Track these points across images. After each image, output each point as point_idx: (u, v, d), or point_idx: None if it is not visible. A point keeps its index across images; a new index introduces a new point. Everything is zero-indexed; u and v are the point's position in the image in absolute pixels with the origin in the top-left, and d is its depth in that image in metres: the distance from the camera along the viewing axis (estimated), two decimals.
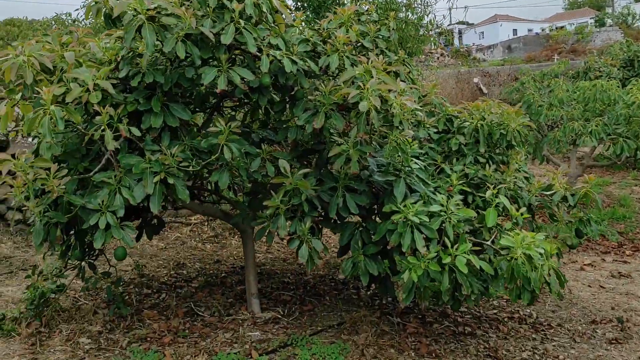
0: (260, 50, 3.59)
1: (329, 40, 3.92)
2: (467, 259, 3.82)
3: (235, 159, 3.66)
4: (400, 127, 3.55)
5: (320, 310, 5.26)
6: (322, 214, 4.37)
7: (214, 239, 7.80)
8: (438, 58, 33.58)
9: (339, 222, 4.39)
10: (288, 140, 3.93)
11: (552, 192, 4.88)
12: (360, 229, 4.29)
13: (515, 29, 54.86)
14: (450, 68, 26.85)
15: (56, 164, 3.46)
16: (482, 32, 54.63)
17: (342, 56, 3.89)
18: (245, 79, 3.57)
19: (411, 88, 4.08)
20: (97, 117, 3.28)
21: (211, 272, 6.43)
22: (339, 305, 5.37)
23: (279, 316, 5.03)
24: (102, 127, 3.29)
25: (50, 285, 4.68)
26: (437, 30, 11.47)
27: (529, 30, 52.55)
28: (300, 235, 3.89)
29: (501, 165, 4.88)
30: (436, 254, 3.87)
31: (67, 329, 4.61)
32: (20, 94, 3.42)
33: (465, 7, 16.51)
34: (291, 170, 4.00)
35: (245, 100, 4.54)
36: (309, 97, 3.79)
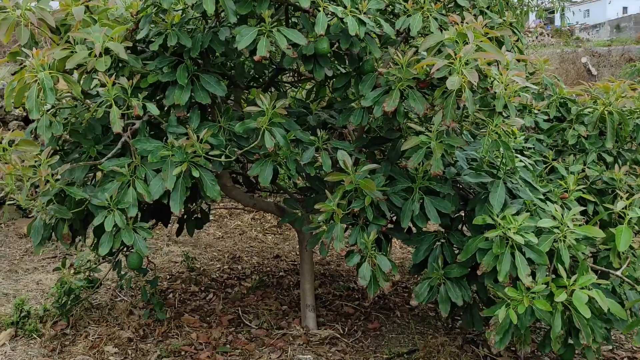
0: (316, 5, 2.70)
1: None
2: (590, 296, 2.78)
3: (280, 149, 2.82)
4: (504, 114, 2.55)
5: (389, 331, 4.37)
6: (393, 219, 3.46)
7: (276, 230, 7.09)
8: (537, 37, 30.94)
9: (413, 231, 3.46)
10: (350, 125, 3.04)
11: None
12: (442, 242, 3.34)
13: (626, 7, 50.06)
14: (549, 48, 24.51)
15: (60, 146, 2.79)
16: (588, 10, 50.15)
17: (428, 16, 2.92)
18: (295, 44, 2.70)
19: (519, 61, 3.03)
20: (102, 90, 2.55)
21: (268, 269, 5.71)
22: (411, 325, 4.45)
23: (338, 335, 4.19)
24: (109, 103, 2.55)
25: (79, 281, 4.12)
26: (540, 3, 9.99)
27: None
28: (361, 249, 3.01)
29: (635, 167, 3.71)
30: (545, 286, 2.86)
31: (94, 332, 4.04)
32: None
33: None
34: (354, 164, 3.12)
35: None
36: (381, 70, 2.86)
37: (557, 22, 41.77)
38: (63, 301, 4.06)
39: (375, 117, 2.83)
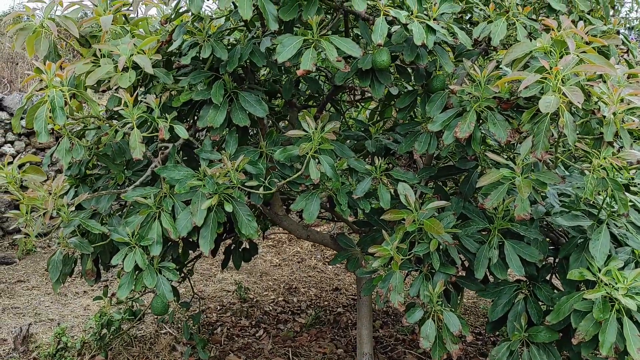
0: (375, 10, 2.24)
1: None
2: None
3: (328, 179, 2.37)
4: (617, 144, 1.97)
5: None
6: (465, 265, 2.91)
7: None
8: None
9: (490, 279, 2.89)
10: (416, 153, 2.54)
11: None
12: (525, 296, 2.74)
13: None
14: None
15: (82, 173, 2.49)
16: None
17: (515, 21, 2.38)
18: (349, 56, 2.25)
19: (630, 78, 2.41)
20: (124, 110, 2.21)
21: (326, 303, 5.25)
22: None
23: None
24: (131, 124, 2.21)
25: (118, 313, 3.84)
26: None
27: None
28: (424, 303, 2.49)
29: None
30: None
31: None
32: None
33: None
34: (419, 199, 2.61)
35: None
36: (454, 88, 2.35)
37: None
38: (102, 334, 3.79)
39: (445, 145, 2.32)
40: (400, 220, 2.51)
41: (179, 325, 4.42)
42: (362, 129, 3.29)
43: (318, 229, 7.17)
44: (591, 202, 2.69)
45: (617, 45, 2.64)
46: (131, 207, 2.51)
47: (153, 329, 4.37)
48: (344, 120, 3.97)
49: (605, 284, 2.30)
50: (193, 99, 2.43)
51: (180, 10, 2.51)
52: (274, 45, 2.19)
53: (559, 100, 1.82)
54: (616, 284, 2.28)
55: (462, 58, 2.51)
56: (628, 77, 2.50)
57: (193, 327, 3.97)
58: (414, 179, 2.61)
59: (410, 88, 2.92)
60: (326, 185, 2.51)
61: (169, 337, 4.17)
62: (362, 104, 4.03)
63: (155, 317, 4.41)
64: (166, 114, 2.31)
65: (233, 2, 2.14)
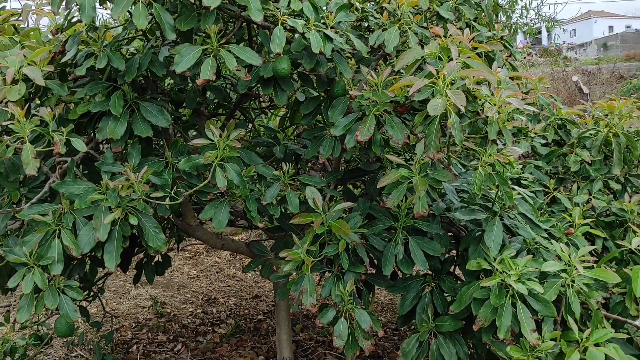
0: (272, 19, 2.29)
1: (386, 6, 2.56)
2: (606, 354, 2.34)
3: (235, 187, 2.38)
4: (499, 141, 2.13)
5: None
6: (374, 262, 3.02)
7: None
8: (525, 57, 30.96)
9: (399, 275, 3.02)
10: (321, 157, 2.61)
11: None
12: (431, 288, 2.89)
13: (612, 26, 50.75)
14: (538, 68, 24.41)
15: None
16: (574, 30, 50.58)
17: (407, 29, 2.52)
18: (251, 65, 2.28)
19: (512, 79, 2.62)
20: (14, 124, 2.10)
21: (246, 311, 5.22)
22: None
23: None
24: (22, 139, 2.11)
25: (23, 338, 3.62)
26: (531, 20, 9.72)
27: (627, 27, 48.28)
28: (336, 303, 2.56)
29: None
30: (554, 342, 2.40)
31: None
32: None
33: (557, 4, 14.47)
34: (329, 202, 2.68)
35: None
36: (353, 93, 2.44)
37: (544, 42, 42.02)
38: None
39: (348, 148, 2.40)
40: (309, 224, 2.57)
41: (91, 346, 4.23)
42: (272, 136, 3.32)
43: (236, 238, 7.12)
44: (486, 196, 2.88)
45: (502, 50, 2.85)
46: (29, 226, 2.39)
47: (63, 352, 4.16)
48: (253, 127, 3.99)
49: (500, 272, 2.47)
50: (91, 111, 2.35)
51: (73, 20, 2.43)
52: (174, 55, 2.17)
53: (445, 102, 1.95)
54: (509, 271, 2.45)
55: (361, 65, 2.62)
56: (512, 79, 2.72)
57: (106, 348, 3.82)
58: (321, 183, 2.68)
59: (316, 94, 3.00)
60: (234, 192, 2.52)
61: None
62: (272, 111, 4.07)
63: (64, 340, 4.20)
64: (62, 127, 2.23)
65: (129, 11, 2.10)
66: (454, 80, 2.09)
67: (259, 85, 2.66)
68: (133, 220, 2.25)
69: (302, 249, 2.49)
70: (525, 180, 3.15)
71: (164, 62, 2.38)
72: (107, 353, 3.70)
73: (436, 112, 1.91)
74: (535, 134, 3.53)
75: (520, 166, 2.96)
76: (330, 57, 2.43)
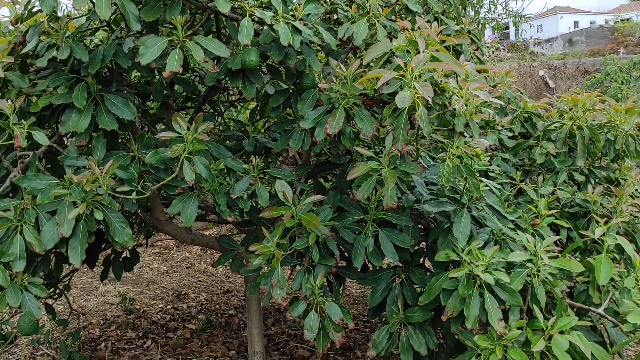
0: (240, 10, 2.26)
1: None
2: (571, 342, 2.39)
3: (204, 181, 2.35)
4: (466, 134, 2.15)
5: None
6: (345, 255, 3.03)
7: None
8: (493, 52, 31.41)
9: (369, 268, 3.04)
10: (291, 150, 2.60)
11: None
12: (401, 280, 2.91)
13: (577, 22, 51.94)
14: (506, 62, 24.82)
15: None
16: (541, 25, 51.59)
17: (375, 22, 2.52)
18: (218, 57, 2.25)
19: (480, 72, 2.65)
20: None
21: (217, 306, 5.19)
22: None
23: None
24: None
25: None
26: (498, 15, 9.85)
27: (592, 22, 49.45)
28: (307, 295, 2.56)
29: (610, 186, 3.38)
30: (520, 331, 2.45)
31: None
32: None
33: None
34: (299, 196, 2.68)
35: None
36: (322, 86, 2.44)
37: (512, 37, 42.75)
38: None
39: (317, 141, 2.40)
40: (279, 217, 2.56)
41: (57, 345, 4.15)
42: (241, 129, 3.29)
43: (207, 232, 7.06)
44: (455, 188, 2.91)
45: (469, 44, 2.89)
46: None
47: (28, 351, 4.06)
48: (223, 120, 3.95)
49: (468, 263, 2.50)
50: (54, 104, 2.29)
51: (34, 10, 2.35)
52: (139, 47, 2.13)
53: (413, 95, 1.96)
54: (477, 262, 2.49)
55: (330, 57, 2.61)
56: (479, 72, 2.75)
57: (73, 346, 3.75)
58: (291, 176, 2.67)
59: (286, 87, 2.98)
60: (203, 186, 2.49)
61: (47, 359, 3.90)
62: (242, 105, 4.04)
63: (29, 338, 4.10)
64: (23, 120, 2.16)
65: (92, 1, 2.05)
66: (422, 72, 2.10)
67: (227, 78, 2.63)
68: (98, 215, 2.20)
69: (272, 243, 2.48)
70: (493, 172, 3.20)
71: (128, 54, 2.33)
72: (74, 351, 3.63)
73: (404, 104, 1.92)
74: (503, 127, 3.59)
75: (488, 158, 3.00)
76: (299, 50, 2.42)
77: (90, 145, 2.44)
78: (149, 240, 5.30)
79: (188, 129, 2.30)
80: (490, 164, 3.29)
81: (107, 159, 2.36)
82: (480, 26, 8.24)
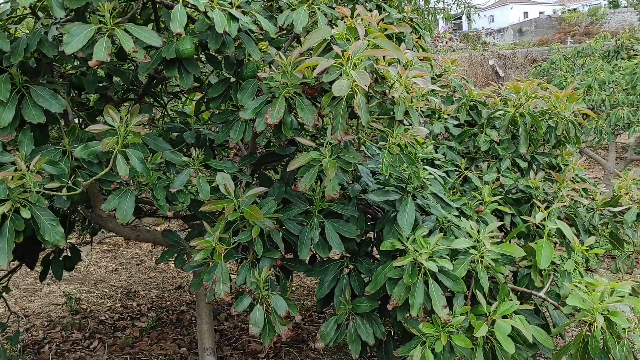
0: None
1: None
2: (513, 325, 2.43)
3: (140, 175, 2.26)
4: (406, 122, 2.14)
5: None
6: (292, 247, 2.99)
7: None
8: (446, 42, 31.89)
9: (317, 260, 3.01)
10: (231, 141, 2.53)
11: (622, 207, 3.46)
12: (349, 270, 2.90)
13: (526, 12, 53.30)
14: (459, 52, 25.24)
15: None
16: (492, 16, 52.70)
17: (316, 10, 2.47)
18: (151, 46, 2.16)
19: (423, 61, 2.65)
20: None
21: (168, 303, 5.08)
22: (325, 359, 3.99)
23: None
24: None
25: None
26: (448, 5, 9.97)
27: (540, 12, 50.84)
28: (251, 290, 2.51)
29: (551, 172, 3.45)
30: (464, 317, 2.48)
31: None
32: None
33: None
34: (243, 187, 2.62)
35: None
36: (261, 75, 2.38)
37: (465, 28, 43.53)
38: None
39: (258, 132, 2.34)
40: (222, 210, 2.49)
41: None
42: (184, 121, 3.20)
43: (159, 228, 6.90)
44: (400, 177, 2.91)
45: (411, 32, 2.88)
46: None
47: None
48: (167, 113, 3.84)
49: (413, 251, 2.51)
50: None
51: None
52: (61, 35, 2.01)
53: (351, 83, 1.93)
54: (421, 250, 2.49)
55: (271, 46, 2.55)
56: (421, 60, 2.74)
57: (13, 350, 3.58)
58: (233, 168, 2.61)
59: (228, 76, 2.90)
60: (141, 181, 2.40)
61: None
62: (187, 96, 3.93)
63: None
64: None
65: None
66: (361, 60, 2.07)
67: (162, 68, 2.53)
68: (25, 214, 2.08)
69: (214, 237, 2.42)
70: (439, 160, 3.22)
71: (54, 43, 2.20)
72: (15, 355, 3.48)
73: (341, 93, 1.88)
74: (449, 115, 3.61)
75: (434, 147, 3.01)
76: (237, 38, 2.34)
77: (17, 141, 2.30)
78: (96, 237, 5.12)
79: (122, 120, 2.21)
80: (437, 152, 3.32)
81: (35, 153, 2.24)
82: (430, 16, 8.31)
